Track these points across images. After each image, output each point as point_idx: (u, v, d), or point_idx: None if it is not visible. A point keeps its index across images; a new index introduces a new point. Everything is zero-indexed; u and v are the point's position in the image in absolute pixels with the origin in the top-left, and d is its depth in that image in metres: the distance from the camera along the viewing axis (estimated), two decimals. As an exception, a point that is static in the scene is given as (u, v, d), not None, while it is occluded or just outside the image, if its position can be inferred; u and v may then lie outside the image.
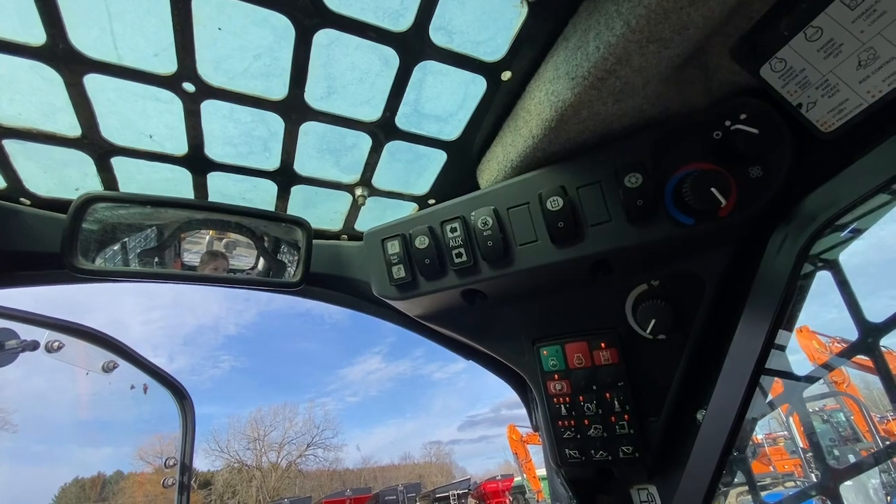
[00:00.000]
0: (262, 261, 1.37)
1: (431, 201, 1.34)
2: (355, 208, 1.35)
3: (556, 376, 1.14)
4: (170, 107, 0.96)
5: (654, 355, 1.10)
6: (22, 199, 1.12)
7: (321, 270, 1.34)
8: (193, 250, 1.31)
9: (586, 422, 1.12)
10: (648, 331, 1.05)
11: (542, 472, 25.38)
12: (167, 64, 0.87)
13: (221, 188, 1.21)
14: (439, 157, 1.20)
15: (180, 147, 1.06)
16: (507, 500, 32.92)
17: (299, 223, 1.24)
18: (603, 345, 1.12)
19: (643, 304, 1.07)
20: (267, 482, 44.20)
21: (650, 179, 0.94)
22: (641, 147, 0.97)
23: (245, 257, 1.39)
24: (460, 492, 31.80)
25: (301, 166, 1.16)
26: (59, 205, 1.15)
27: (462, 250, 1.08)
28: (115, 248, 1.15)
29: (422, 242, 1.10)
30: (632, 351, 1.11)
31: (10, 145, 1.00)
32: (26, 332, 2.01)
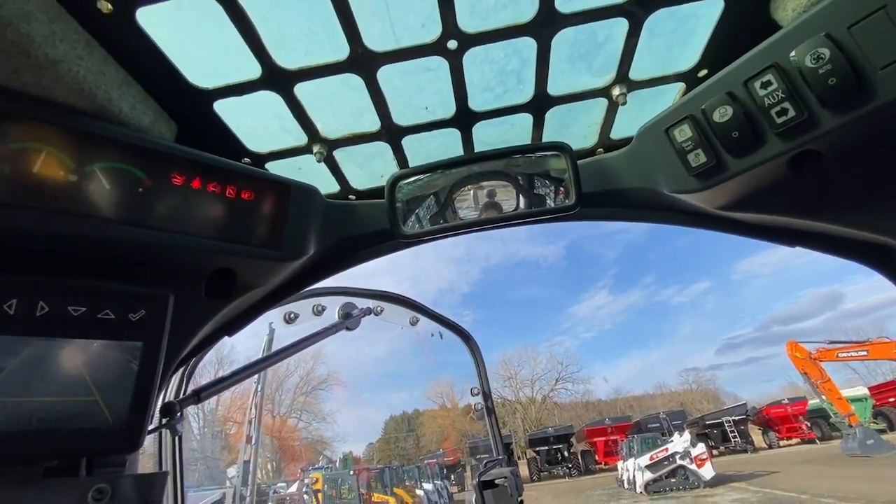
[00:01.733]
0: (521, 198, 1.44)
1: (703, 73, 1.13)
2: (610, 115, 1.25)
3: None
4: (437, 73, 1.06)
5: None
6: (349, 195, 1.45)
7: (588, 189, 1.30)
8: (467, 204, 1.47)
9: None
10: None
11: (848, 392, 20.47)
12: (433, 30, 0.95)
13: (483, 137, 1.30)
14: (712, 11, 0.98)
15: (449, 109, 1.17)
16: (804, 427, 27.98)
17: (561, 147, 1.23)
18: None
19: None
20: (528, 414, 49.53)
21: None
22: None
23: (507, 200, 1.48)
24: (736, 418, 28.61)
25: (553, 86, 1.13)
26: (373, 192, 1.43)
27: (787, 104, 0.86)
28: (419, 212, 1.38)
29: (723, 114, 0.93)
30: None
31: (338, 154, 1.29)
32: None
